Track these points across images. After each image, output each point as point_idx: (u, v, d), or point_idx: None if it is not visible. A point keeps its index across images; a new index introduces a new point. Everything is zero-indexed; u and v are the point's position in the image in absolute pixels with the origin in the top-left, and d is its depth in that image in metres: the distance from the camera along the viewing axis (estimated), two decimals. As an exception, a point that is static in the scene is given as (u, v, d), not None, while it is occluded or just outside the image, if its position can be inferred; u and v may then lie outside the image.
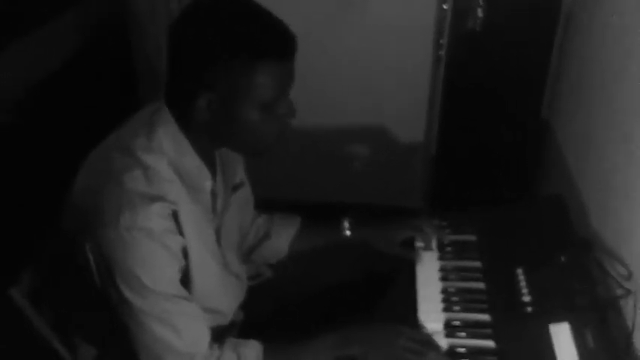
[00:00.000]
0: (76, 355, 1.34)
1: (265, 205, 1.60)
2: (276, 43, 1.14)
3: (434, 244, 1.55)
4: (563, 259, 1.39)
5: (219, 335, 1.28)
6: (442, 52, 2.07)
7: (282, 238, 1.57)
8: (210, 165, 1.28)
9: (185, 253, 1.19)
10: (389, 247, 1.56)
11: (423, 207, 2.46)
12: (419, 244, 1.56)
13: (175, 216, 1.16)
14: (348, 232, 1.58)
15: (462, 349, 1.28)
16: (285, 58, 1.15)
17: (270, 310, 1.50)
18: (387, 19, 2.21)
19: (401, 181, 2.54)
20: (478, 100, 2.21)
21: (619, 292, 1.35)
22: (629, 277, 1.33)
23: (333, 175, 2.56)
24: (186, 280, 1.20)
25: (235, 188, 1.41)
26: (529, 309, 1.31)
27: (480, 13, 2.00)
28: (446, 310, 1.37)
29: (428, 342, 1.28)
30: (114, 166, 1.15)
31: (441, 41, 2.06)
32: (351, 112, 2.43)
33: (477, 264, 1.48)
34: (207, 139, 1.22)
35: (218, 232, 1.32)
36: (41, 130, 2.36)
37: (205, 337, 1.22)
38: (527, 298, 1.33)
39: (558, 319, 1.26)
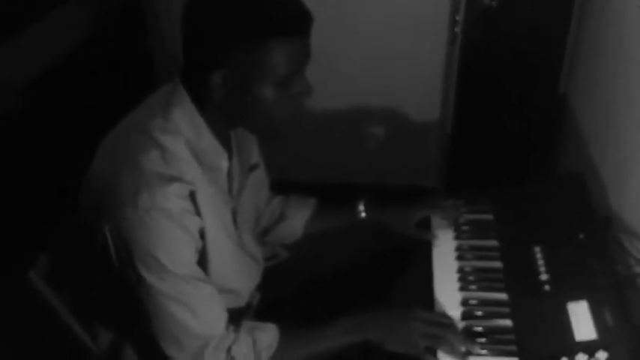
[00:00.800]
0: (97, 338, 1.35)
1: (279, 186, 1.60)
2: (291, 19, 1.13)
3: (450, 222, 1.55)
4: (581, 237, 1.38)
5: (235, 317, 1.27)
6: (458, 30, 2.05)
7: (297, 220, 1.57)
8: (227, 146, 1.28)
9: (202, 234, 1.19)
10: (404, 228, 1.56)
11: (438, 187, 2.45)
12: (435, 223, 1.55)
13: (193, 197, 1.15)
14: (363, 214, 1.58)
15: (479, 329, 1.27)
16: (300, 34, 1.14)
17: (286, 291, 1.50)
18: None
19: (416, 160, 2.53)
20: (494, 77, 2.19)
21: (638, 270, 1.33)
22: (648, 255, 1.32)
23: (348, 156, 2.56)
24: (202, 261, 1.20)
25: (251, 169, 1.40)
26: (547, 287, 1.30)
27: (496, -11, 1.97)
28: (462, 289, 1.36)
29: (444, 324, 1.26)
30: (131, 147, 1.15)
31: (457, 18, 2.03)
32: (365, 91, 2.42)
33: (494, 243, 1.47)
34: (223, 119, 1.22)
35: (234, 213, 1.32)
36: (56, 116, 2.37)
37: (222, 319, 1.22)
38: (544, 277, 1.32)
39: (576, 298, 1.24)
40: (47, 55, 2.39)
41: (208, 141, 1.21)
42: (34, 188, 2.22)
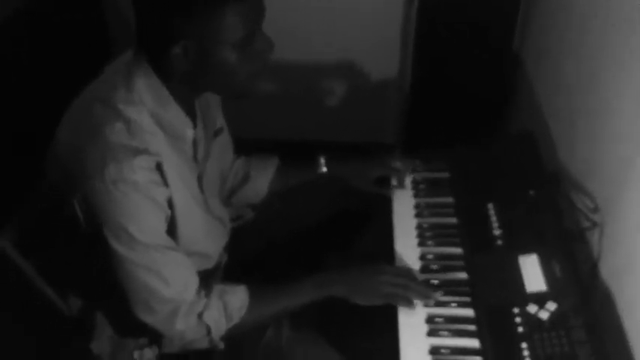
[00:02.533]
0: (68, 302, 1.39)
1: (240, 145, 1.61)
2: None
3: (408, 182, 1.60)
4: (532, 193, 1.45)
5: (205, 278, 1.31)
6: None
7: (262, 179, 1.60)
8: (191, 113, 1.29)
9: (170, 203, 1.21)
10: (364, 184, 1.61)
11: (396, 143, 2.50)
12: (394, 182, 1.61)
13: (159, 168, 1.17)
14: (324, 169, 1.62)
15: (436, 281, 1.34)
16: None
17: (252, 250, 1.56)
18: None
19: (375, 118, 2.57)
20: (451, 34, 2.22)
21: (586, 224, 1.41)
22: (596, 209, 1.39)
23: (307, 114, 2.58)
24: (171, 229, 1.23)
25: (216, 134, 1.43)
26: (499, 242, 1.38)
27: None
28: (420, 244, 1.43)
29: (408, 274, 1.34)
30: (95, 119, 1.16)
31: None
32: (323, 49, 2.43)
33: (450, 200, 1.53)
34: (187, 87, 1.23)
35: (200, 179, 1.35)
36: (9, 73, 2.33)
37: (193, 284, 1.25)
38: (497, 232, 1.40)
39: (527, 251, 1.32)
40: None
41: (173, 111, 1.22)
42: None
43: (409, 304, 1.28)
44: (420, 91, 2.36)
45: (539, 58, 2.02)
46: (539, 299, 1.23)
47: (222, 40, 1.14)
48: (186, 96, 1.25)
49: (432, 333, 1.25)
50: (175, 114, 1.23)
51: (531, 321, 1.21)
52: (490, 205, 1.46)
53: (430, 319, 1.27)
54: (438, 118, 2.36)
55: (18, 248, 1.35)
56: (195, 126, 1.30)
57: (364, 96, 2.54)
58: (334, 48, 2.42)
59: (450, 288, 1.32)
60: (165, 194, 1.19)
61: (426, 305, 1.29)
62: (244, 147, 1.64)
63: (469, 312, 1.28)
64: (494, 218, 1.43)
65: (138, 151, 1.14)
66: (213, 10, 1.11)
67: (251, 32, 1.16)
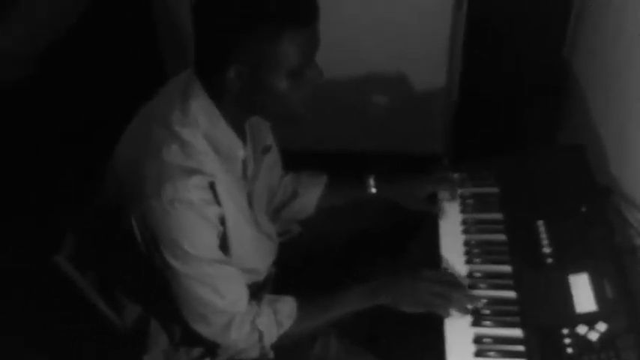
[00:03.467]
0: (122, 315, 1.43)
1: (288, 156, 1.63)
2: (299, 10, 1.15)
3: (457, 195, 1.59)
4: (583, 209, 1.43)
5: (255, 291, 1.36)
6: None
7: (310, 197, 1.62)
8: (241, 133, 1.32)
9: (222, 221, 1.25)
10: (413, 203, 1.61)
11: (445, 153, 2.48)
12: (442, 196, 1.60)
13: (212, 187, 1.21)
14: (373, 190, 1.63)
15: (484, 300, 1.33)
16: (308, 24, 1.17)
17: (300, 264, 1.58)
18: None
19: (422, 128, 2.56)
20: (500, 44, 2.20)
21: (638, 241, 1.38)
22: (648, 225, 1.37)
23: (355, 124, 2.58)
24: (224, 245, 1.27)
25: (264, 151, 1.45)
26: (549, 260, 1.36)
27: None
28: (468, 262, 1.42)
29: (451, 282, 1.35)
30: (153, 140, 1.21)
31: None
32: (371, 59, 2.42)
33: (499, 216, 1.52)
34: (239, 109, 1.26)
35: (250, 196, 1.38)
36: (61, 88, 2.41)
37: (244, 296, 1.30)
38: (547, 250, 1.38)
39: (578, 270, 1.30)
40: (51, 27, 2.42)
41: (225, 132, 1.26)
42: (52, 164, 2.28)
43: (447, 314, 1.30)
44: (469, 100, 2.36)
45: (590, 66, 1.98)
46: (589, 320, 1.22)
47: (275, 67, 1.16)
48: (237, 117, 1.29)
49: (479, 353, 1.24)
50: (227, 135, 1.27)
51: (580, 342, 1.19)
52: (540, 222, 1.44)
53: (478, 339, 1.26)
54: (486, 127, 2.35)
55: (73, 262, 1.39)
56: (245, 146, 1.33)
57: (412, 105, 2.53)
58: (382, 57, 2.41)
59: (499, 307, 1.32)
60: (217, 212, 1.23)
61: (475, 325, 1.29)
62: (292, 158, 1.65)
63: (517, 332, 1.27)
64: (544, 235, 1.41)
65: (192, 171, 1.19)
66: (270, 37, 1.14)
67: (305, 62, 1.19)
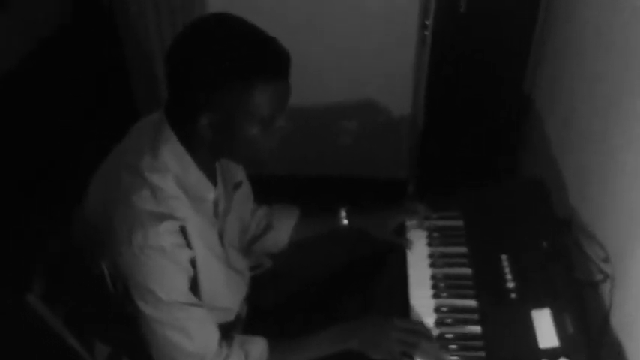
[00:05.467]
0: (92, 352, 1.43)
1: (257, 181, 1.63)
2: (271, 62, 1.18)
3: (423, 227, 1.63)
4: (544, 244, 1.47)
5: (226, 330, 1.37)
6: (427, 33, 2.11)
7: (283, 230, 1.65)
8: (212, 175, 1.34)
9: (193, 263, 1.26)
10: (383, 233, 1.64)
11: (410, 178, 2.53)
12: (409, 225, 1.63)
13: (183, 231, 1.23)
14: (345, 222, 1.66)
15: (450, 335, 1.36)
16: (280, 76, 1.20)
17: (271, 299, 1.60)
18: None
19: (389, 153, 2.61)
20: (463, 76, 2.26)
21: (598, 276, 1.43)
22: (607, 259, 1.41)
23: (323, 150, 2.62)
24: (194, 286, 1.28)
25: (235, 187, 1.47)
26: (513, 295, 1.40)
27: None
28: (435, 296, 1.45)
29: (419, 331, 1.37)
30: (123, 186, 1.21)
31: (426, 22, 2.10)
32: (338, 88, 2.48)
33: (464, 250, 1.56)
34: (209, 153, 1.28)
35: (221, 234, 1.39)
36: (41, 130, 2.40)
37: (214, 337, 1.31)
38: (511, 284, 1.42)
39: (540, 305, 1.34)
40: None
41: (195, 176, 1.28)
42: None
43: (424, 357, 1.32)
44: (433, 128, 2.40)
45: (550, 101, 2.04)
46: (552, 355, 1.26)
47: (248, 116, 1.19)
48: (207, 161, 1.31)
49: (446, 388, 1.27)
50: (197, 179, 1.28)
51: (543, 377, 1.23)
52: (504, 256, 1.48)
53: (445, 374, 1.29)
54: (450, 154, 2.40)
55: (44, 300, 1.39)
56: (215, 187, 1.35)
57: (378, 132, 2.58)
58: (349, 88, 2.47)
59: (465, 342, 1.35)
60: (188, 255, 1.25)
61: (440, 360, 1.32)
62: (261, 183, 1.66)
63: (483, 367, 1.30)
64: (507, 269, 1.45)
65: (164, 217, 1.20)
66: (243, 87, 1.16)
67: (276, 111, 1.22)
